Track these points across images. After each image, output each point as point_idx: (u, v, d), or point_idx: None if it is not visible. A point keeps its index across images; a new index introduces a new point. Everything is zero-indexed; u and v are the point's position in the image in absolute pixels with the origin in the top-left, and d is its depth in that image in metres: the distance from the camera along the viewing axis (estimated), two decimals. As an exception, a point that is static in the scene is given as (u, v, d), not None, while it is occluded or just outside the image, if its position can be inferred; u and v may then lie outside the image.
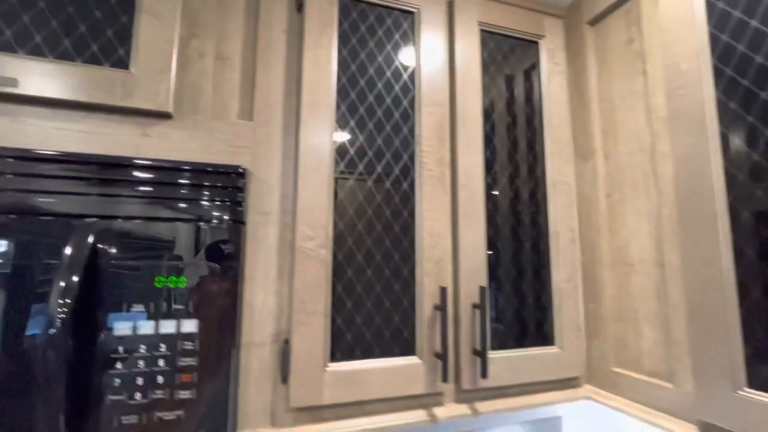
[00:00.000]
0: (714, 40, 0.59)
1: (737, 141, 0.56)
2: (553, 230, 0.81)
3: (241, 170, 0.62)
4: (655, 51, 0.70)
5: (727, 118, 0.57)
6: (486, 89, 0.81)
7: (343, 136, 0.70)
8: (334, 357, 0.64)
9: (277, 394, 0.62)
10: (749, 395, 0.52)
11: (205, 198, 0.60)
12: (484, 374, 0.67)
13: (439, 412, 0.68)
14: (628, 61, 0.76)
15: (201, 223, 0.59)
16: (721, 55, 0.58)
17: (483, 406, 0.71)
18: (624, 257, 0.75)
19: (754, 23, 0.54)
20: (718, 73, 0.58)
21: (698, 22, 0.60)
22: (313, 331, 0.62)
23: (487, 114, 0.81)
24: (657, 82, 0.69)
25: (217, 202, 0.60)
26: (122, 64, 0.59)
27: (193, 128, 0.63)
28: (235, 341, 0.59)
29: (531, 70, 0.86)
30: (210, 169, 0.61)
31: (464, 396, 0.71)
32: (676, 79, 0.63)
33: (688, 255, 0.61)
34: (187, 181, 0.59)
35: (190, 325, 0.56)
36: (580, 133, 0.86)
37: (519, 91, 0.85)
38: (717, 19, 0.59)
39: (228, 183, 0.61)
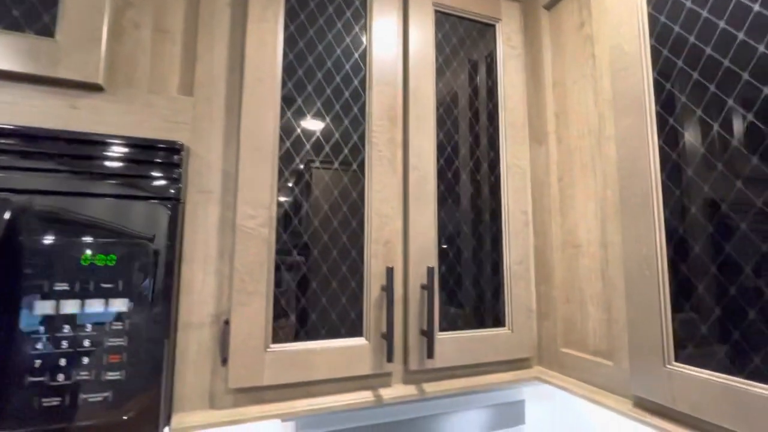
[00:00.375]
0: (653, 20, 0.59)
1: (671, 121, 0.57)
2: (505, 213, 0.81)
3: (177, 146, 0.60)
4: (603, 34, 0.70)
5: (662, 99, 0.58)
6: (441, 71, 0.81)
7: (289, 114, 0.68)
8: (277, 338, 0.63)
9: (217, 376, 0.61)
10: (676, 369, 0.54)
11: (138, 174, 0.57)
12: (430, 354, 0.67)
13: (386, 392, 0.68)
14: (579, 45, 0.76)
15: (133, 200, 0.57)
16: (659, 35, 0.58)
17: (430, 386, 0.71)
18: (573, 239, 0.76)
19: (688, 4, 0.55)
20: (655, 54, 0.59)
21: (639, 2, 0.61)
22: (253, 311, 0.61)
23: (442, 96, 0.80)
24: (604, 65, 0.69)
25: (152, 179, 0.58)
26: (47, 31, 0.56)
27: (127, 102, 0.60)
28: (170, 321, 0.57)
29: (488, 54, 0.86)
30: (143, 144, 0.58)
31: (412, 377, 0.71)
32: (620, 61, 0.64)
33: (627, 235, 0.62)
34: (118, 156, 0.57)
35: (119, 305, 0.54)
36: (535, 117, 0.86)
37: (475, 73, 0.84)
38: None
39: (163, 159, 0.59)
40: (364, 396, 0.66)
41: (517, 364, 0.80)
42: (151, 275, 0.56)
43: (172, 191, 0.59)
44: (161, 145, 0.59)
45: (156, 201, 0.58)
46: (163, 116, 0.62)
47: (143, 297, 0.55)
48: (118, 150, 0.57)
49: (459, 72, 0.83)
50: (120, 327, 0.54)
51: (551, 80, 0.83)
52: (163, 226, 0.58)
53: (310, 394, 0.65)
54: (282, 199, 0.66)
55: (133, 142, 0.58)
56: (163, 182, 0.59)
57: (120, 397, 0.53)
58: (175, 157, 0.60)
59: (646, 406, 0.59)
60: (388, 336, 0.65)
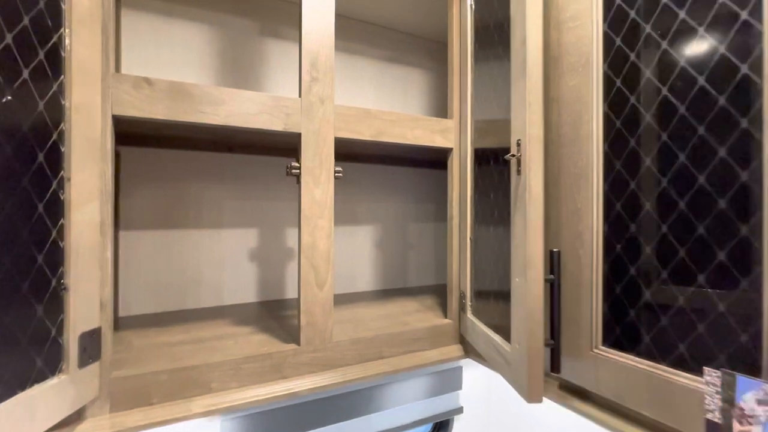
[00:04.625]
0: (607, -39, 0.51)
1: (618, 82, 0.50)
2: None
3: None
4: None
5: (611, 55, 0.51)
6: None
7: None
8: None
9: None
10: (602, 353, 0.51)
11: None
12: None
13: (302, 383, 0.61)
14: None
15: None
16: (613, -21, 0.50)
17: (353, 370, 0.65)
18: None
19: (648, -59, 0.47)
20: (608, 4, 0.51)
21: (594, -62, 0.52)
22: None
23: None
24: (551, 14, 0.61)
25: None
26: None
27: None
28: None
29: None
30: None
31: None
32: (568, 8, 0.55)
33: (564, 210, 0.56)
34: None
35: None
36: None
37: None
38: (613, -66, 0.50)
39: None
40: (275, 390, 0.59)
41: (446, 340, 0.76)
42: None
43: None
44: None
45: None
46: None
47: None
48: None
49: None
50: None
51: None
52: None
53: (210, 390, 0.56)
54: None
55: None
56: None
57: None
58: None
59: (572, 389, 0.56)
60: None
